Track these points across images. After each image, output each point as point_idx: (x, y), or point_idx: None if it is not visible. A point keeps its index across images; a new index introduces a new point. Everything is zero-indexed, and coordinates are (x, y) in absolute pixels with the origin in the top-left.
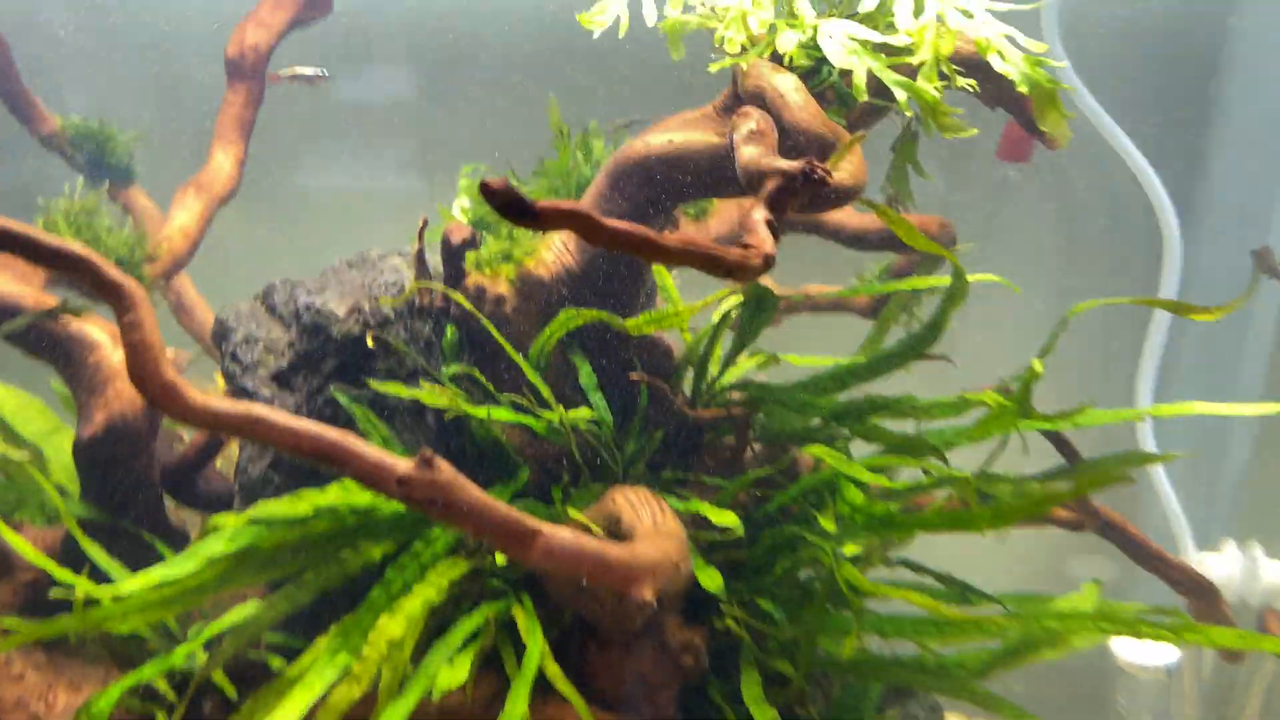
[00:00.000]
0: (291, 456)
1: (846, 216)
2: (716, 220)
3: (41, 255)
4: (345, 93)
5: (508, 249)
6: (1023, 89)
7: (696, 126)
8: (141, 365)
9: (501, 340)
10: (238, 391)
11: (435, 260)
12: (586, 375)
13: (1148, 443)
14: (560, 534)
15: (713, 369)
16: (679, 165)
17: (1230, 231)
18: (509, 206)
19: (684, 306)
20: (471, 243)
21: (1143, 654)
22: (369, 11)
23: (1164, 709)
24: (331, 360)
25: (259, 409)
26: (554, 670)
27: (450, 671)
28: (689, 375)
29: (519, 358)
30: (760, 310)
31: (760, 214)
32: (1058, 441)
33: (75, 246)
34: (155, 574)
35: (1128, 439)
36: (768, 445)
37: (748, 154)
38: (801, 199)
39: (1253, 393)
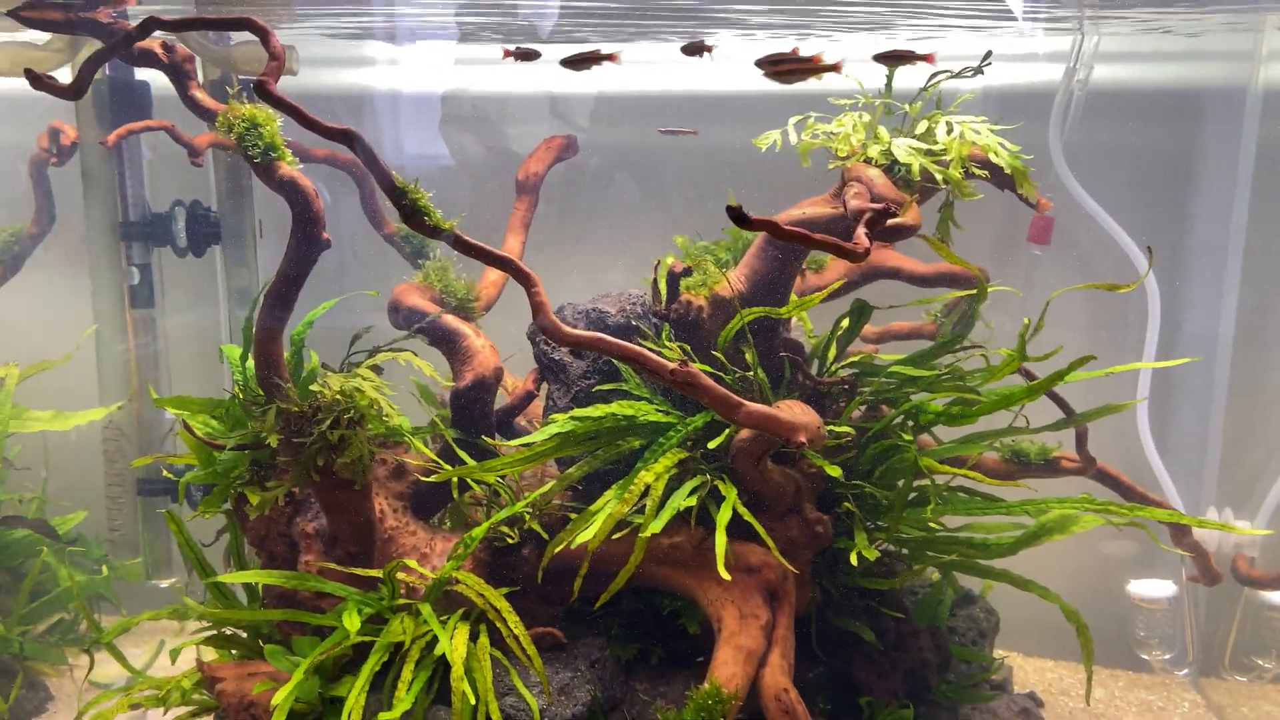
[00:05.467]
0: (616, 359)
1: (916, 266)
2: (830, 271)
3: (490, 259)
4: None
5: (703, 279)
6: (1008, 171)
7: (818, 205)
8: (541, 314)
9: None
10: (550, 362)
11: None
12: (751, 356)
13: (1145, 427)
14: (753, 404)
15: (830, 358)
16: (807, 227)
17: (1189, 282)
18: (737, 217)
19: (809, 298)
20: (687, 272)
21: (1150, 590)
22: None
23: (1170, 633)
24: None
25: (600, 336)
26: (744, 511)
27: (681, 499)
28: (815, 362)
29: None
30: (860, 317)
31: (861, 230)
32: (1060, 403)
33: (506, 254)
34: (520, 440)
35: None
36: (869, 408)
37: (854, 201)
38: (882, 224)
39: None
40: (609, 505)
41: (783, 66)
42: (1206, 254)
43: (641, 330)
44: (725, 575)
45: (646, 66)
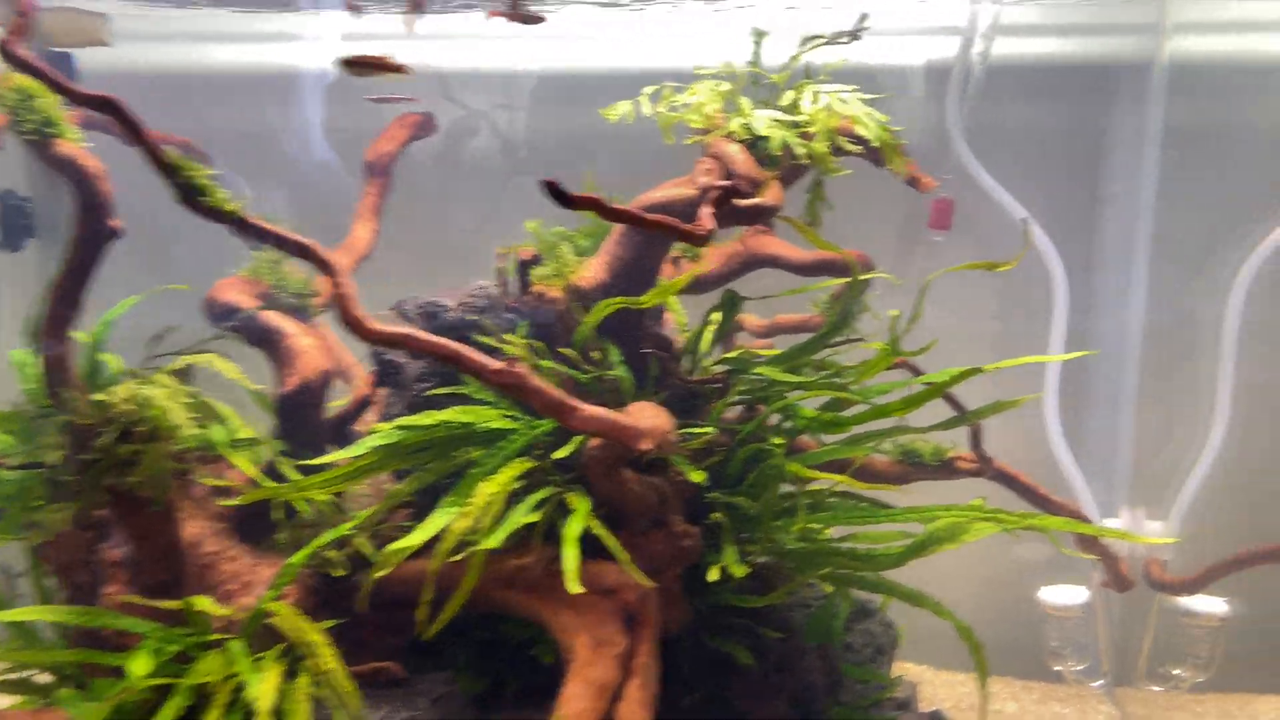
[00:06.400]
0: (431, 358)
1: (795, 253)
2: (708, 260)
3: (284, 245)
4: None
5: (560, 269)
6: (875, 144)
7: (681, 185)
8: (345, 307)
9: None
10: (385, 363)
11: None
12: (614, 354)
13: (1054, 424)
14: (590, 408)
15: (701, 355)
16: (667, 209)
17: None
18: (557, 194)
19: (668, 284)
20: (536, 260)
21: (1062, 597)
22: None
23: (1084, 643)
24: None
25: (412, 330)
26: (596, 525)
27: (523, 514)
28: (686, 360)
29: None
30: (731, 308)
31: (705, 209)
32: (950, 400)
33: (305, 239)
34: (337, 455)
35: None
36: (747, 409)
37: (702, 178)
38: (729, 203)
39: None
40: (441, 519)
41: (359, 60)
42: (1118, 242)
43: (482, 325)
44: (578, 588)
45: (569, 41)
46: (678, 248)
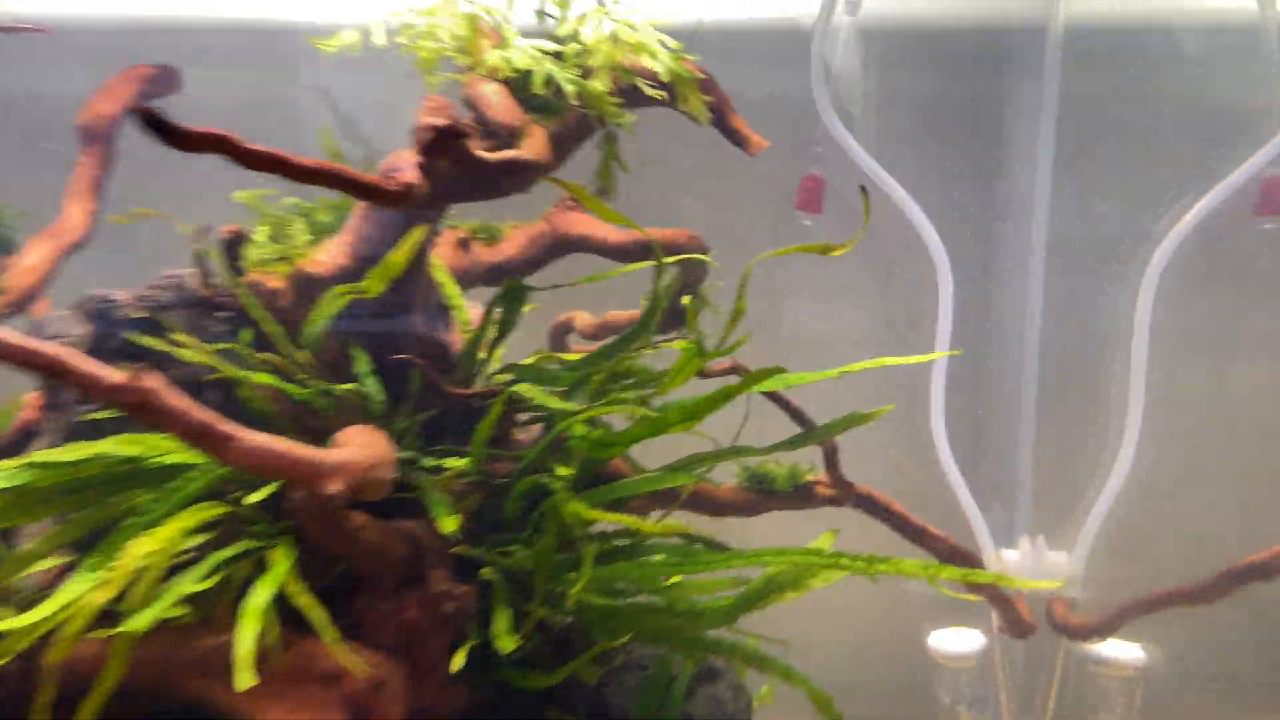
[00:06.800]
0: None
1: (610, 233)
2: (508, 244)
3: None
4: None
5: (285, 251)
6: (666, 78)
7: None
8: None
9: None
10: (48, 380)
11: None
12: (363, 363)
13: (942, 438)
14: (253, 436)
15: (495, 363)
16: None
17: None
18: (159, 128)
19: (389, 264)
20: (239, 239)
21: (955, 644)
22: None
23: (982, 695)
24: (117, 343)
25: None
26: (299, 594)
27: (193, 582)
28: (464, 368)
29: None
30: (513, 302)
31: (412, 156)
32: (794, 413)
33: None
34: None
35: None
36: (546, 428)
37: (419, 120)
38: (453, 149)
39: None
40: (76, 588)
41: None
42: (1015, 235)
43: (162, 324)
44: (251, 680)
45: None
46: (468, 227)
